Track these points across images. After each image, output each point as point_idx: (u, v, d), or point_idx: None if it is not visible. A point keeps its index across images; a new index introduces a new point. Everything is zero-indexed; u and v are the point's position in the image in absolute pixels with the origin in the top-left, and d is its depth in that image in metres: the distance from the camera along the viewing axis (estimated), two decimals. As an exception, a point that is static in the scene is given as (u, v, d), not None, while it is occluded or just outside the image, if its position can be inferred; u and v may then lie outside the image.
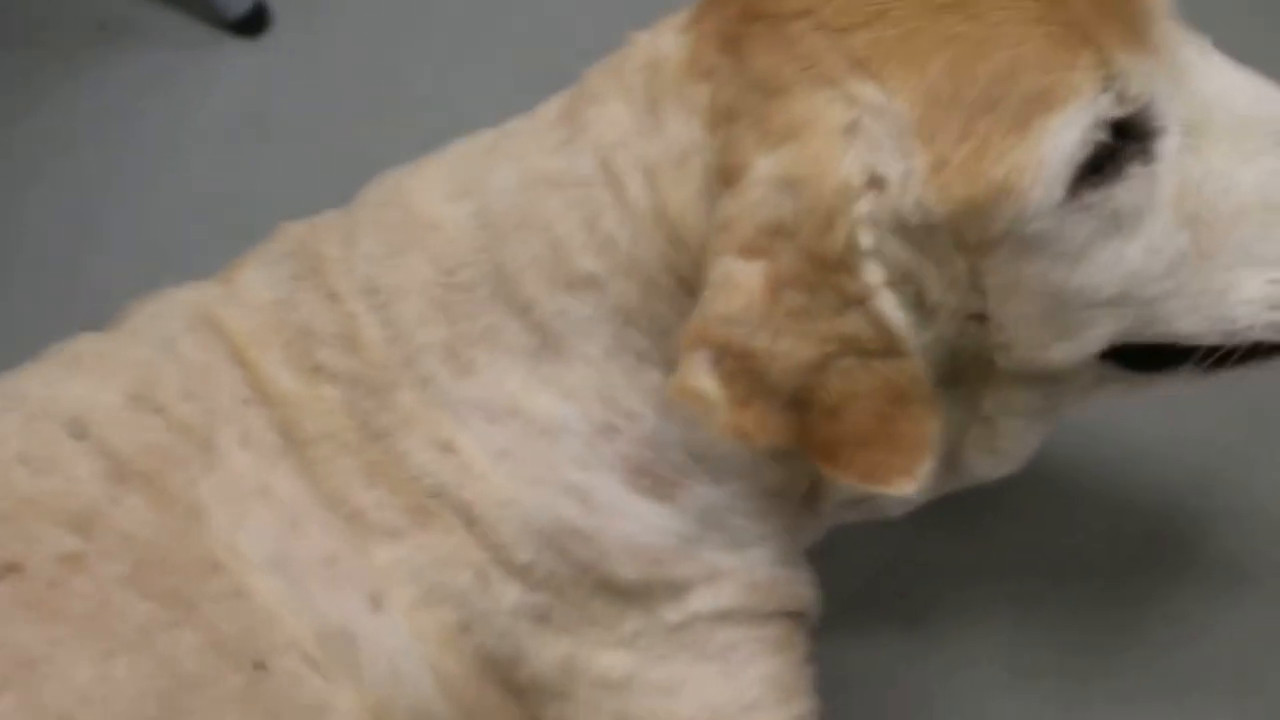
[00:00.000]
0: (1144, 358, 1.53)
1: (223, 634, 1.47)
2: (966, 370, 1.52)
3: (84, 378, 1.57)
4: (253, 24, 2.67)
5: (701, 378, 1.41)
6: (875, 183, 1.37)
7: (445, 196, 1.57)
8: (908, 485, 1.45)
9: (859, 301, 1.39)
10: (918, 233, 1.40)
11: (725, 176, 1.41)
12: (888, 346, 1.41)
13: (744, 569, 1.59)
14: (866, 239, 1.38)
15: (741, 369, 1.41)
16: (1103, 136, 1.37)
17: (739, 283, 1.39)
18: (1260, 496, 2.04)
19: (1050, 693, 1.96)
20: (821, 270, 1.39)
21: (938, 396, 1.46)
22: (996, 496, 1.89)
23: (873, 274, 1.39)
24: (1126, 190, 1.40)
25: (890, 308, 1.40)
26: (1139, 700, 1.95)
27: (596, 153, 1.50)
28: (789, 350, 1.40)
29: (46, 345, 1.62)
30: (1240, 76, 1.45)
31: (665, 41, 1.49)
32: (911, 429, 1.45)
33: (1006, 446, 1.60)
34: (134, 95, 2.60)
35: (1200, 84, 1.43)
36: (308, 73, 2.62)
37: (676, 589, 1.56)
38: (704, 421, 1.43)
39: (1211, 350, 1.49)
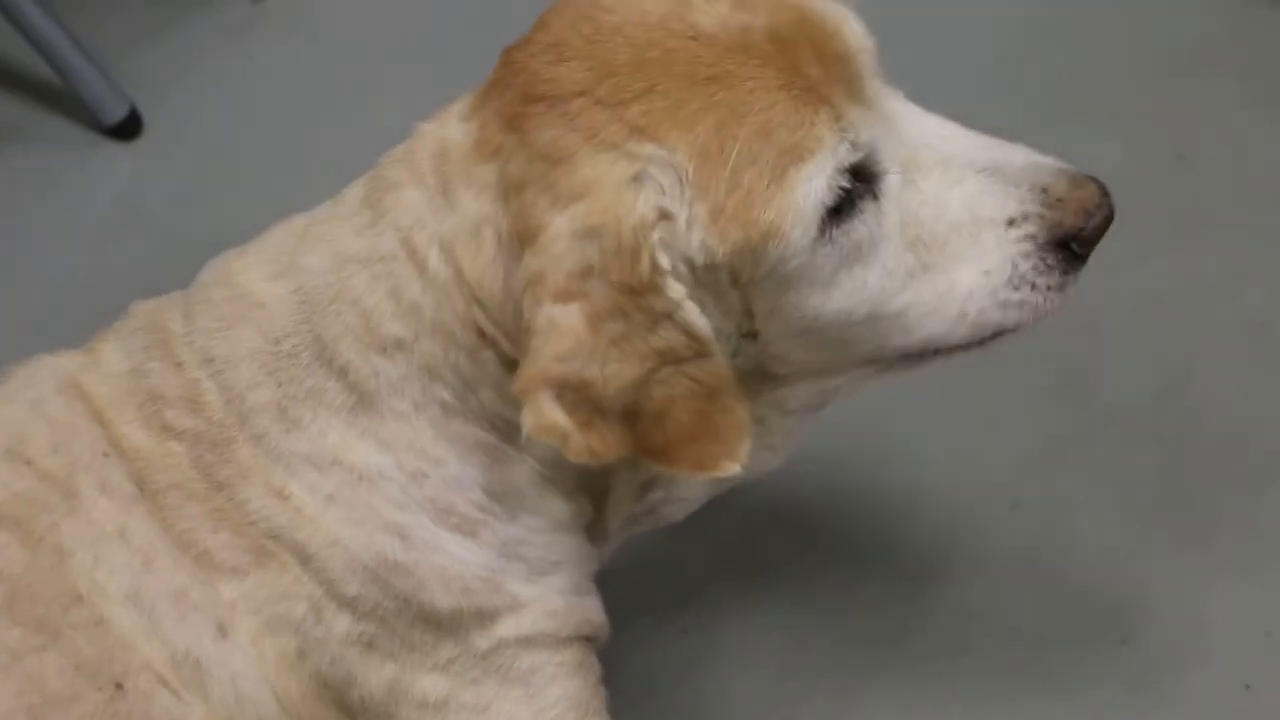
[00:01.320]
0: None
1: (85, 657, 1.47)
2: (746, 381, 1.54)
3: None
4: (127, 129, 2.65)
5: (551, 413, 1.42)
6: (665, 216, 1.41)
7: (267, 276, 1.58)
8: (734, 466, 1.48)
9: (668, 315, 1.43)
10: (702, 271, 1.44)
11: (523, 238, 1.44)
12: (697, 350, 1.45)
13: (542, 598, 1.60)
14: (664, 261, 1.41)
15: (580, 398, 1.43)
16: (845, 182, 1.43)
17: (562, 325, 1.42)
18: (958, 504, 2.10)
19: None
20: (632, 297, 1.42)
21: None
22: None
23: (675, 289, 1.42)
24: (862, 224, 1.46)
25: (694, 315, 1.44)
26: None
27: (397, 233, 1.51)
28: (616, 372, 1.43)
29: (-67, 402, 1.62)
30: (933, 120, 1.52)
31: (451, 130, 1.51)
32: (727, 419, 1.48)
33: (778, 442, 1.64)
34: (21, 189, 2.60)
35: (906, 129, 1.49)
36: (174, 172, 2.61)
37: (484, 617, 1.57)
38: (562, 449, 1.45)
39: None
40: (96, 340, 1.63)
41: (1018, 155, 1.52)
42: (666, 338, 1.44)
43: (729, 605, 2.06)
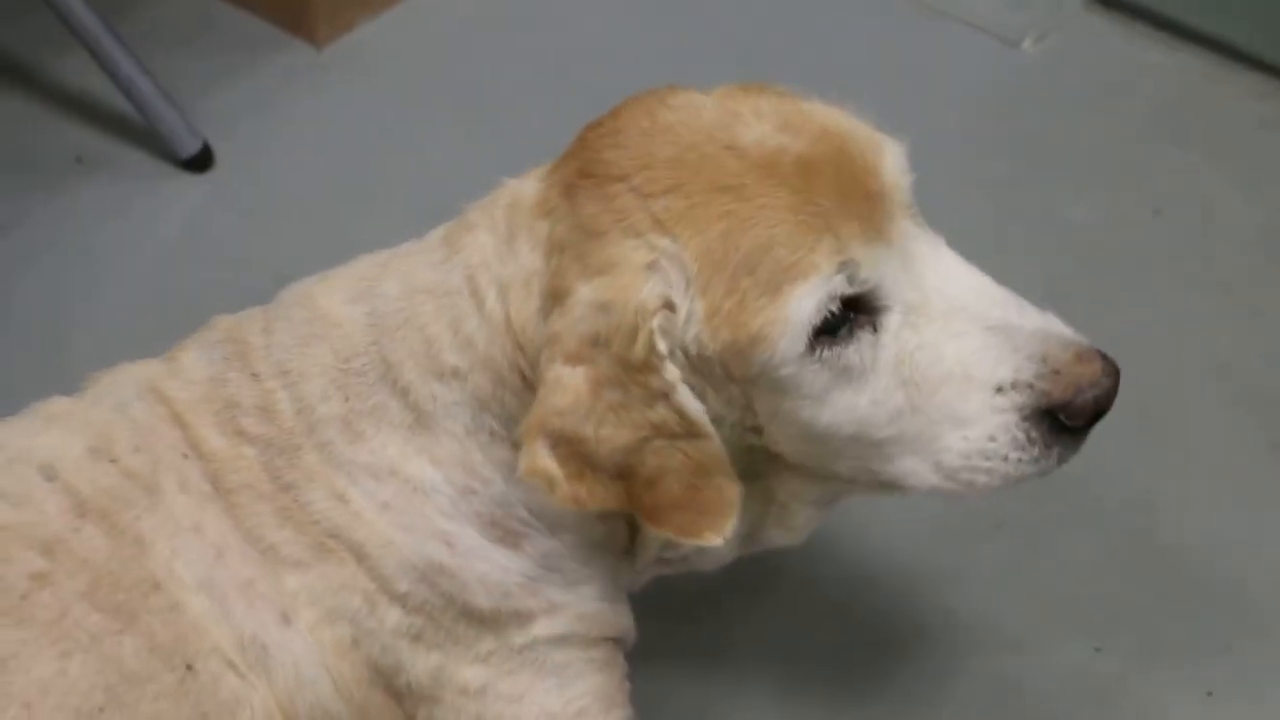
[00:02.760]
0: None
1: (160, 640, 1.47)
2: (759, 466, 1.54)
3: (55, 432, 1.56)
4: (200, 163, 2.65)
5: (543, 459, 1.44)
6: (667, 305, 1.42)
7: (345, 300, 1.58)
8: (716, 539, 1.47)
9: (663, 395, 1.43)
10: (697, 361, 1.44)
11: (555, 297, 1.45)
12: (690, 430, 1.44)
13: (576, 603, 1.60)
14: (662, 345, 1.41)
15: (573, 452, 1.44)
16: (834, 309, 1.41)
17: (567, 384, 1.42)
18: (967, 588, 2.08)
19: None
20: (630, 372, 1.42)
21: (740, 485, 1.49)
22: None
23: (671, 373, 1.42)
24: (856, 352, 1.44)
25: (688, 399, 1.44)
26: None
27: (465, 270, 1.52)
28: (610, 435, 1.43)
29: (25, 406, 1.62)
30: (961, 269, 1.48)
31: (527, 186, 1.53)
32: (716, 496, 1.47)
33: (797, 525, 1.63)
34: (101, 213, 2.59)
35: (925, 273, 1.46)
36: (240, 203, 2.61)
37: (522, 618, 1.57)
38: (547, 494, 1.45)
39: None
40: (177, 349, 1.64)
41: (1031, 320, 1.47)
42: (660, 414, 1.44)
43: (737, 620, 2.05)
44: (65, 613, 1.45)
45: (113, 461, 1.54)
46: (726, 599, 2.04)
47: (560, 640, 1.60)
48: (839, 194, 1.43)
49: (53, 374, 1.71)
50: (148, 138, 2.67)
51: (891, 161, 1.47)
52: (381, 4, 2.92)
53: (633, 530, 1.63)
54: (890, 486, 1.54)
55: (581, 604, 1.61)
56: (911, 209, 1.49)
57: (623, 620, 1.66)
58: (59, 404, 1.61)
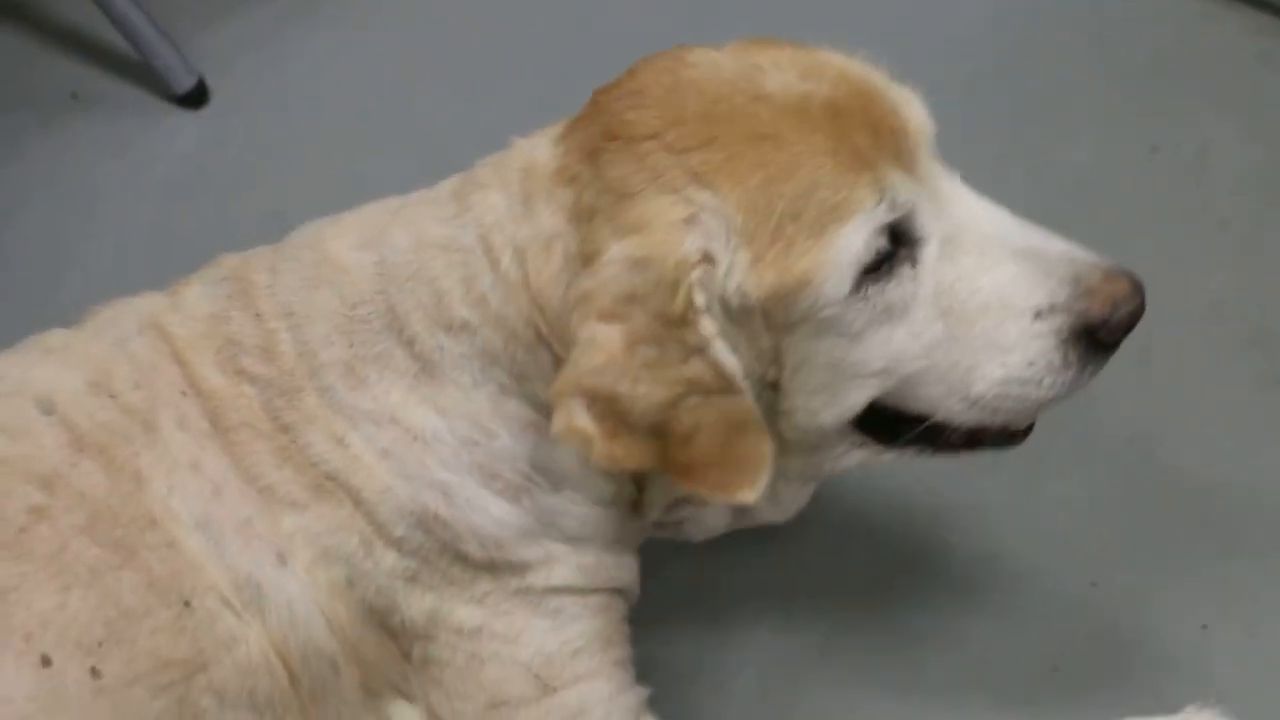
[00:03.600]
0: (886, 432, 1.57)
1: (157, 576, 1.47)
2: None
3: (53, 365, 1.56)
4: (195, 99, 2.63)
5: (579, 419, 1.44)
6: (707, 259, 1.42)
7: (354, 246, 1.58)
8: (750, 496, 1.48)
9: (699, 350, 1.43)
10: (736, 313, 1.44)
11: (585, 259, 1.44)
12: (724, 386, 1.45)
13: (575, 554, 1.60)
14: (700, 299, 1.41)
15: (609, 410, 1.44)
16: (883, 243, 1.42)
17: (601, 342, 1.42)
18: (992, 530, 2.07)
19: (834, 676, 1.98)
20: (668, 327, 1.42)
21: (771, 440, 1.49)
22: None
23: (707, 327, 1.42)
24: (898, 286, 1.45)
25: (724, 353, 1.44)
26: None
27: (478, 229, 1.52)
28: (646, 393, 1.43)
29: (20, 342, 1.62)
30: (982, 204, 1.50)
31: (540, 150, 1.53)
32: (749, 451, 1.48)
33: (784, 500, 1.64)
34: (97, 149, 2.59)
35: (954, 208, 1.48)
36: (236, 140, 2.60)
37: (516, 567, 1.58)
38: (583, 453, 1.46)
39: (935, 427, 1.53)
40: (180, 284, 1.64)
41: (1056, 245, 1.50)
42: (696, 370, 1.44)
43: (743, 600, 2.04)
44: (64, 547, 1.45)
45: (112, 397, 1.53)
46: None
47: (556, 590, 1.60)
48: (870, 134, 1.45)
49: (49, 310, 1.70)
50: (143, 73, 2.66)
51: (914, 105, 1.50)
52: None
53: (640, 487, 1.63)
54: (898, 435, 1.56)
55: (580, 555, 1.61)
56: (934, 151, 1.51)
57: (625, 573, 1.66)
58: (57, 336, 1.61)
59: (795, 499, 1.67)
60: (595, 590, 1.62)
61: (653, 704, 1.69)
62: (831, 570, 2.02)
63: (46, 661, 1.40)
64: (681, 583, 1.99)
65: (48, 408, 1.52)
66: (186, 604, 1.47)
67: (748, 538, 1.84)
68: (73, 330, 1.62)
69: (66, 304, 1.68)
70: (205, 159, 2.57)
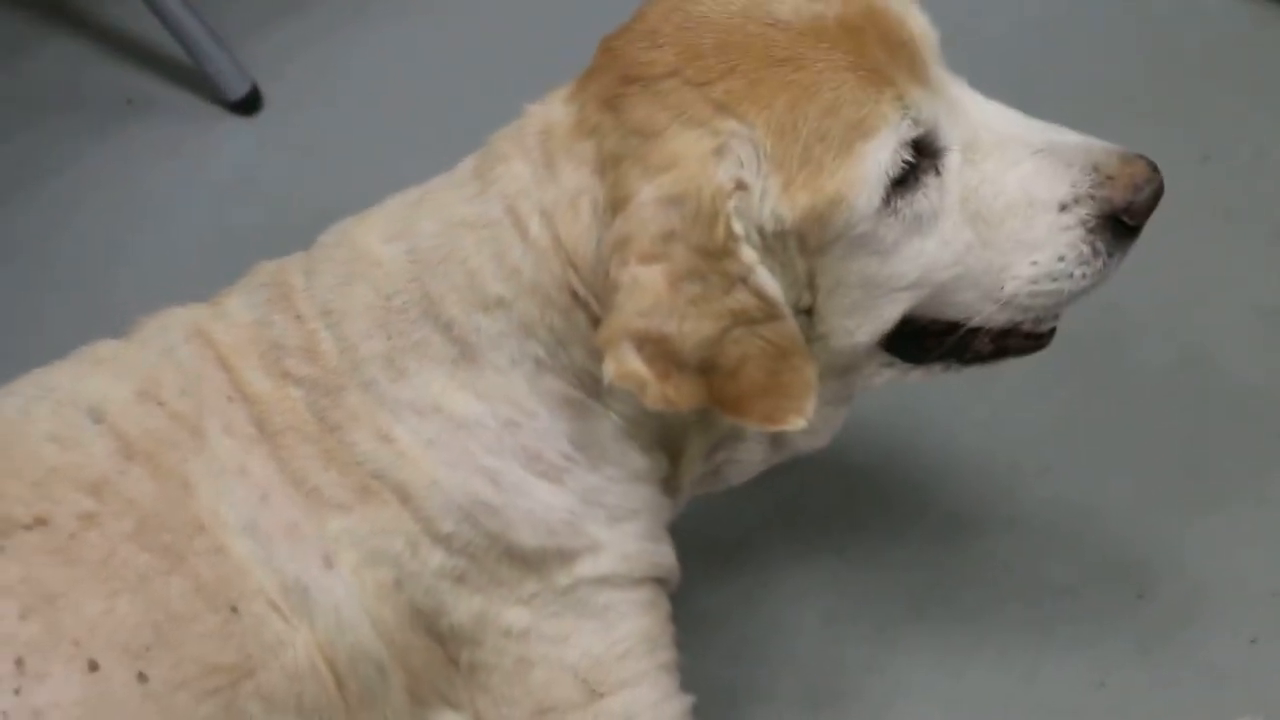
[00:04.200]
0: (914, 350, 1.59)
1: (205, 582, 1.48)
2: None
3: (103, 375, 1.58)
4: (249, 105, 2.65)
5: (631, 362, 1.44)
6: (741, 186, 1.43)
7: (384, 238, 1.58)
8: (800, 421, 1.49)
9: (741, 279, 1.44)
10: (771, 239, 1.45)
11: (615, 206, 1.45)
12: (768, 312, 1.45)
13: (618, 541, 1.60)
14: (739, 227, 1.42)
15: (659, 351, 1.44)
16: (909, 156, 1.44)
17: (644, 283, 1.43)
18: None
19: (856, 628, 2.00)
20: (709, 259, 1.43)
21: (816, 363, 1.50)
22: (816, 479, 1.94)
23: (749, 254, 1.44)
24: (925, 197, 1.47)
25: (766, 279, 1.45)
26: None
27: (503, 201, 1.52)
28: (693, 329, 1.44)
29: (76, 348, 1.63)
30: (993, 106, 1.53)
31: (554, 110, 1.53)
32: (795, 377, 1.49)
33: (819, 426, 1.62)
34: (151, 155, 2.61)
35: (969, 113, 1.50)
36: (289, 147, 2.62)
37: (566, 556, 1.58)
38: (639, 396, 1.46)
39: (962, 342, 1.56)
40: (221, 295, 1.64)
41: (1070, 137, 1.52)
42: (740, 300, 1.44)
43: (780, 554, 2.05)
44: (113, 553, 1.46)
45: (160, 404, 1.54)
46: (767, 543, 2.07)
47: (603, 580, 1.60)
48: (884, 48, 1.46)
49: (102, 313, 1.72)
50: (197, 80, 2.68)
51: (917, 15, 1.51)
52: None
53: (673, 459, 1.63)
54: (933, 344, 1.58)
55: (625, 542, 1.61)
56: (940, 58, 1.52)
57: (666, 559, 1.66)
58: (107, 347, 1.62)
59: (829, 423, 1.67)
60: (641, 582, 1.63)
61: (697, 711, 1.69)
62: (874, 576, 2.03)
63: (94, 666, 1.42)
64: (725, 575, 2.02)
65: (98, 416, 1.53)
66: (234, 609, 1.48)
67: (793, 538, 1.85)
68: (121, 341, 1.63)
69: (119, 307, 1.69)
70: (258, 164, 2.59)
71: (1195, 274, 2.28)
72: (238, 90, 2.65)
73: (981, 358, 1.62)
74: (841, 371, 1.59)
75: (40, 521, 1.46)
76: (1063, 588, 1.99)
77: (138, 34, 2.76)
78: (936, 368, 1.62)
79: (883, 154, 1.44)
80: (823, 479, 2.09)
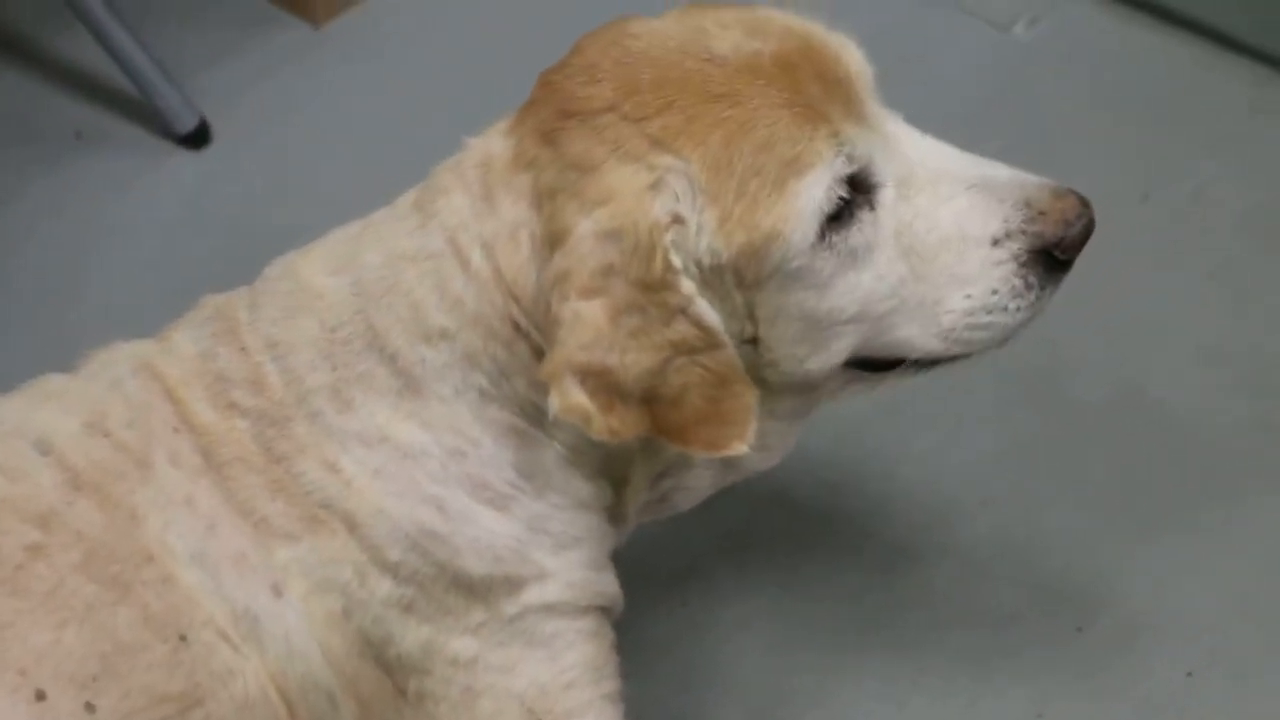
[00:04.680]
0: (876, 362, 1.60)
1: (153, 612, 1.48)
2: None
3: (50, 408, 1.58)
4: (197, 138, 2.67)
5: (575, 396, 1.45)
6: (677, 220, 1.44)
7: (327, 271, 1.59)
8: (742, 446, 1.50)
9: (681, 310, 1.45)
10: (708, 272, 1.46)
11: (553, 241, 1.46)
12: (708, 341, 1.47)
13: (564, 569, 1.61)
14: (677, 260, 1.44)
15: (602, 383, 1.45)
16: (843, 192, 1.46)
17: (585, 318, 1.44)
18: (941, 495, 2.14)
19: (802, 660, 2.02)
20: (648, 292, 1.44)
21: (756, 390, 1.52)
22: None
23: (686, 286, 1.45)
24: (860, 231, 1.48)
25: (705, 309, 1.46)
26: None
27: (444, 233, 1.53)
28: (634, 361, 1.45)
29: (25, 379, 1.64)
30: (928, 141, 1.54)
31: (494, 143, 1.54)
32: (737, 404, 1.50)
33: (772, 443, 1.65)
34: (99, 188, 2.62)
35: (903, 148, 1.52)
36: (238, 180, 2.63)
37: (513, 584, 1.58)
38: (584, 429, 1.47)
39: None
40: (168, 329, 1.65)
41: (1003, 172, 1.54)
42: (680, 330, 1.46)
43: (725, 583, 2.07)
44: (61, 583, 1.46)
45: (106, 436, 1.54)
46: (712, 572, 2.09)
47: (550, 608, 1.61)
48: (820, 85, 1.48)
49: (51, 346, 1.72)
50: (146, 113, 2.69)
51: (855, 52, 1.53)
52: (379, -18, 2.92)
53: (617, 487, 1.64)
54: (886, 367, 1.59)
55: (570, 570, 1.62)
56: (876, 94, 1.54)
57: (610, 588, 1.67)
58: (55, 381, 1.63)
59: (783, 441, 1.68)
60: (586, 610, 1.63)
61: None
62: (821, 609, 2.05)
63: (41, 696, 1.42)
64: (669, 602, 2.04)
65: (45, 449, 1.53)
66: (182, 638, 1.48)
67: (736, 565, 1.87)
68: (70, 375, 1.63)
69: (68, 340, 1.69)
70: (207, 198, 2.60)
71: (1134, 311, 2.31)
72: (186, 124, 2.65)
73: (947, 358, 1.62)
74: (800, 389, 1.61)
75: None
76: (1003, 618, 2.01)
77: (86, 66, 2.76)
78: (906, 373, 1.62)
79: (817, 190, 1.45)
80: (768, 509, 2.12)
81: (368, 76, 2.78)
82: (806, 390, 1.61)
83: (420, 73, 2.76)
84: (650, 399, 1.48)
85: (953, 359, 1.60)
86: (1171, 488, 2.13)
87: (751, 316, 1.51)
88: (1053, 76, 2.68)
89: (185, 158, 2.67)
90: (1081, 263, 2.28)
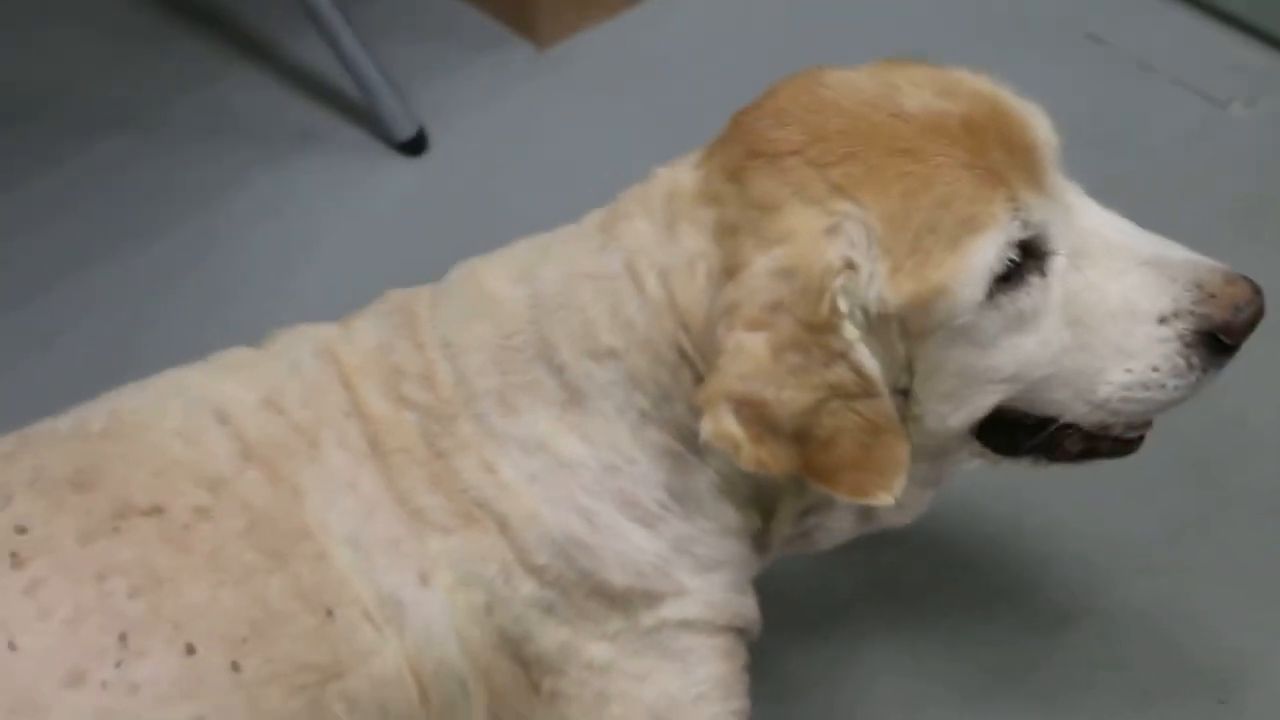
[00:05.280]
0: (1005, 441, 1.62)
1: (305, 585, 1.54)
2: None
3: (233, 380, 1.64)
4: (415, 146, 2.75)
5: (728, 423, 1.48)
6: (850, 266, 1.47)
7: (508, 280, 1.64)
8: (888, 498, 1.52)
9: (842, 355, 1.48)
10: (874, 320, 1.49)
11: (729, 273, 1.50)
12: (865, 389, 1.49)
13: (705, 589, 1.64)
14: (844, 305, 1.47)
15: (755, 415, 1.48)
16: (1014, 255, 1.48)
17: (748, 349, 1.47)
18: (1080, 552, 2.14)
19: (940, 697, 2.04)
20: (812, 333, 1.47)
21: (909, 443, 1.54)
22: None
23: (851, 332, 1.48)
24: (1028, 296, 1.50)
25: (865, 356, 1.48)
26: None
27: (624, 256, 1.57)
28: (791, 398, 1.48)
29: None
30: (1106, 215, 1.56)
31: (682, 175, 1.58)
32: (887, 454, 1.52)
33: (906, 504, 1.65)
34: (317, 186, 2.72)
35: (1081, 220, 1.53)
36: (451, 189, 2.71)
37: (652, 598, 1.61)
38: (733, 457, 1.50)
39: (1053, 439, 1.60)
40: (352, 317, 1.70)
41: (1178, 252, 1.54)
42: (839, 374, 1.48)
43: (868, 626, 2.09)
44: (222, 547, 1.52)
45: (281, 413, 1.60)
46: (859, 614, 2.10)
47: (686, 624, 1.63)
48: (1004, 150, 1.50)
49: (253, 327, 1.77)
50: (368, 118, 2.79)
51: (1042, 121, 1.55)
52: (606, 11, 3.00)
53: (766, 516, 1.67)
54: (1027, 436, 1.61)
55: (710, 591, 1.64)
56: (1060, 164, 1.55)
57: (749, 612, 1.70)
58: (241, 354, 1.69)
59: (917, 503, 1.70)
60: (723, 629, 1.66)
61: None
62: (961, 659, 2.06)
63: (191, 650, 1.48)
64: (811, 644, 2.06)
65: (224, 418, 1.59)
66: (329, 613, 1.53)
67: (878, 616, 1.88)
68: (254, 350, 1.69)
69: (271, 321, 1.75)
70: (417, 204, 2.68)
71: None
72: (405, 132, 2.74)
73: (1070, 456, 1.65)
74: (932, 454, 1.62)
75: (157, 510, 1.53)
76: (1146, 688, 2.01)
77: (318, 72, 2.88)
78: (1025, 461, 1.65)
79: (989, 251, 1.47)
80: (921, 556, 2.13)
81: (585, 103, 2.85)
82: (936, 455, 1.63)
83: (637, 103, 2.82)
84: (802, 438, 1.50)
85: (1082, 458, 1.64)
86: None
87: (910, 368, 1.53)
88: (1262, 155, 2.65)
89: (402, 164, 2.75)
90: (1273, 341, 2.29)
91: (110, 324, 2.52)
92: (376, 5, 2.99)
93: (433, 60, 2.92)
